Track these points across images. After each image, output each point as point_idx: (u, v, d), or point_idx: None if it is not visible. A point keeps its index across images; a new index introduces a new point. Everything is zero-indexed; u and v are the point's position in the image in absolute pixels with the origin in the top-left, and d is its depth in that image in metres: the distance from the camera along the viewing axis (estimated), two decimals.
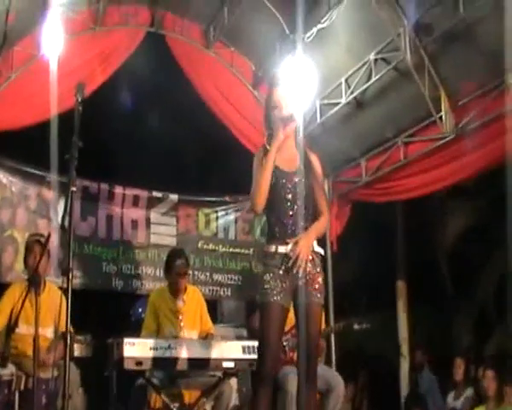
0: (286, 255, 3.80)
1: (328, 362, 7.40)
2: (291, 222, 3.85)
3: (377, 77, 7.14)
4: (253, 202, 3.85)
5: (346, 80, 7.60)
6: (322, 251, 4.01)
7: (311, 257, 3.86)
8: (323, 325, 6.19)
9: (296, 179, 3.89)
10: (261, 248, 4.10)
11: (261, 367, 3.78)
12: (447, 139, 6.91)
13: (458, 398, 7.26)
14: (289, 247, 3.79)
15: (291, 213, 3.86)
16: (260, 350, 3.81)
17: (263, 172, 3.79)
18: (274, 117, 3.94)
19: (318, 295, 3.85)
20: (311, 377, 3.78)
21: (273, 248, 3.84)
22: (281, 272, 3.79)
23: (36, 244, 5.33)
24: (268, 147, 3.91)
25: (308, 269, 3.84)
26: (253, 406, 3.81)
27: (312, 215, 3.94)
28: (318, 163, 4.03)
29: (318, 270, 3.91)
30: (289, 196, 3.86)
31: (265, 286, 3.78)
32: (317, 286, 3.86)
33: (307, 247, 3.81)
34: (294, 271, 3.78)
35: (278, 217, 3.86)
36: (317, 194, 3.96)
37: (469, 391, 7.23)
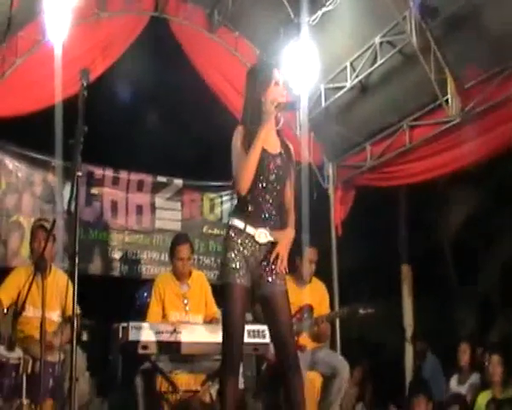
0: (253, 238, 3.72)
1: (332, 347, 7.41)
2: (266, 207, 3.76)
3: (382, 60, 7.12)
4: (239, 184, 3.69)
5: (351, 64, 7.57)
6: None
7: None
8: (328, 310, 6.22)
9: (279, 162, 3.81)
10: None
11: (230, 356, 3.68)
12: (453, 123, 6.88)
13: (463, 383, 7.25)
14: (260, 235, 3.72)
15: (268, 197, 3.76)
16: (227, 338, 3.69)
17: (252, 152, 3.66)
18: (267, 99, 3.79)
19: (279, 282, 3.76)
20: (292, 365, 3.68)
21: (241, 225, 3.73)
22: (246, 252, 3.71)
23: (40, 230, 5.34)
24: (252, 121, 3.79)
25: (273, 259, 3.74)
26: (221, 396, 3.71)
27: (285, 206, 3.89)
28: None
29: (282, 259, 3.77)
30: (272, 176, 3.77)
31: (230, 265, 3.68)
32: (279, 275, 3.76)
33: (286, 249, 3.76)
34: (269, 271, 3.73)
35: (255, 197, 3.74)
36: (287, 194, 3.91)
37: (474, 377, 7.22)
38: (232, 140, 3.82)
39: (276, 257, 3.72)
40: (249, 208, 3.76)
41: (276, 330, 3.74)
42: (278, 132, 3.92)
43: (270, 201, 3.78)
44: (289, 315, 3.83)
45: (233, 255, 3.70)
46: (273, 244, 3.77)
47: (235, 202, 3.90)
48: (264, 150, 3.74)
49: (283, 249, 3.74)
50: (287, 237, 3.79)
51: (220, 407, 3.73)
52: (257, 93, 3.84)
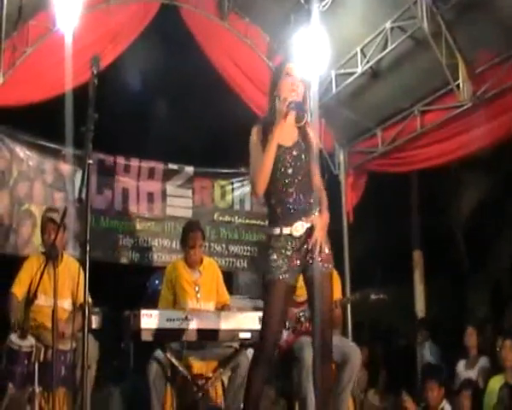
0: (291, 236, 3.76)
1: (344, 333, 7.42)
2: (292, 201, 3.78)
3: (393, 46, 7.09)
4: (254, 185, 3.75)
5: (362, 50, 7.54)
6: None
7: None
8: (340, 296, 6.21)
9: (295, 153, 3.81)
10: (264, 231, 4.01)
11: (261, 346, 3.73)
12: (464, 108, 6.85)
13: (472, 368, 7.24)
14: (297, 228, 3.75)
15: (291, 190, 3.77)
16: (262, 328, 3.76)
17: (266, 154, 3.68)
18: (281, 96, 3.80)
19: (326, 265, 3.79)
20: (326, 349, 3.74)
21: (277, 231, 3.77)
22: (288, 253, 3.75)
23: (49, 222, 5.34)
24: (272, 115, 3.79)
25: (314, 243, 3.75)
26: (247, 385, 3.76)
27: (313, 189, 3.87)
28: (317, 140, 3.98)
29: (323, 241, 3.80)
30: (290, 170, 3.78)
31: (272, 264, 3.73)
32: (324, 257, 3.78)
33: (323, 231, 3.78)
34: (312, 253, 3.75)
35: (279, 198, 3.78)
36: (315, 179, 3.88)
37: (483, 361, 7.21)
38: (249, 141, 3.84)
39: (315, 243, 3.74)
40: (277, 211, 3.80)
41: (313, 314, 3.79)
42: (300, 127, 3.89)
43: (295, 193, 3.80)
44: (328, 300, 3.82)
45: (275, 257, 3.75)
46: (312, 228, 3.79)
47: (267, 208, 3.91)
48: (278, 146, 3.75)
49: (320, 234, 3.75)
50: (322, 221, 3.79)
51: (244, 397, 3.79)
52: (272, 89, 3.88)
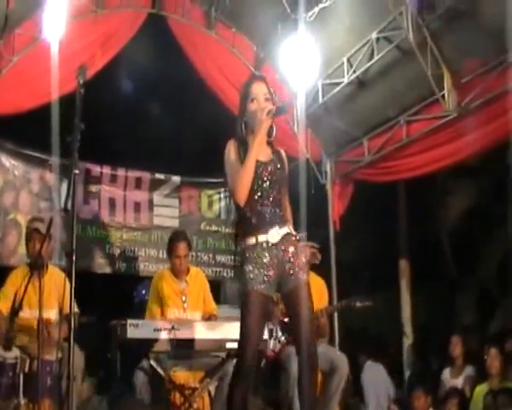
0: (267, 243, 3.74)
1: (331, 342, 7.43)
2: (267, 212, 3.79)
3: (379, 56, 7.12)
4: (237, 196, 3.74)
5: (348, 60, 7.57)
6: (294, 232, 3.90)
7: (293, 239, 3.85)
8: (326, 304, 6.23)
9: (270, 168, 3.83)
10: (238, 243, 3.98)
11: (241, 361, 3.69)
12: (450, 117, 6.90)
13: (457, 376, 7.26)
14: (272, 235, 3.75)
15: (267, 203, 3.79)
16: (241, 341, 3.70)
17: (247, 164, 3.70)
18: (252, 109, 3.83)
19: (301, 275, 3.78)
20: (311, 359, 3.71)
21: (253, 240, 3.75)
22: (265, 260, 3.72)
23: (34, 232, 5.31)
24: (243, 135, 3.85)
25: (291, 253, 3.78)
26: (229, 397, 3.70)
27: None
28: (286, 160, 4.01)
29: (299, 249, 3.84)
30: (266, 183, 3.80)
31: (247, 276, 3.70)
32: (301, 266, 3.79)
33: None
34: (289, 263, 3.76)
35: (255, 209, 3.77)
36: (284, 201, 3.94)
37: (469, 369, 7.24)
38: (225, 154, 3.85)
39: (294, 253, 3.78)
40: (252, 221, 3.78)
41: (296, 325, 3.75)
42: (269, 142, 3.92)
43: (270, 205, 3.80)
44: (309, 309, 3.80)
45: (250, 268, 3.71)
46: (287, 236, 3.80)
47: (240, 220, 3.88)
48: (256, 160, 3.77)
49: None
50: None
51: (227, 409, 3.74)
52: (242, 106, 3.91)
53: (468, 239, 11.96)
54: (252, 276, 3.69)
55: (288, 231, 3.83)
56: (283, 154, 3.98)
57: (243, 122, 3.88)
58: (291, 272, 3.76)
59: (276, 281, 3.76)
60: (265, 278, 3.70)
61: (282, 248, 3.77)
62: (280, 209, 3.85)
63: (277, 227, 3.78)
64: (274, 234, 3.77)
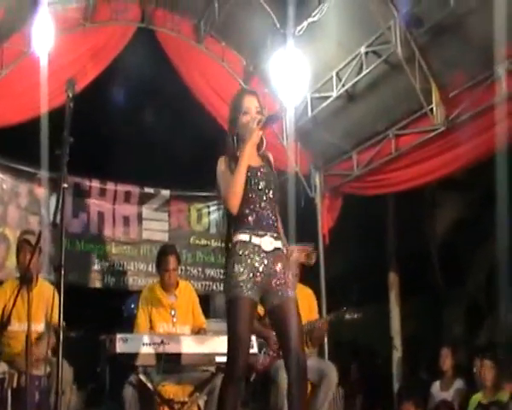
0: (260, 248, 3.71)
1: (320, 354, 7.42)
2: (266, 213, 3.77)
3: (368, 70, 7.16)
4: (229, 204, 3.71)
5: (337, 74, 7.61)
6: (283, 248, 3.87)
7: (283, 256, 3.83)
8: (317, 316, 6.24)
9: (264, 170, 3.85)
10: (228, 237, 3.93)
11: (232, 367, 3.63)
12: (438, 131, 6.93)
13: (447, 389, 7.26)
14: (266, 243, 3.73)
15: (264, 203, 3.77)
16: (231, 349, 3.64)
17: (238, 171, 3.69)
18: (244, 121, 3.84)
19: (291, 292, 3.76)
20: (298, 376, 3.66)
21: (246, 237, 3.72)
22: (255, 263, 3.69)
23: (25, 244, 5.30)
24: (234, 148, 3.85)
25: (279, 269, 3.76)
26: (220, 406, 3.68)
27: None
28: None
29: (288, 266, 3.82)
30: (261, 184, 3.79)
31: (237, 278, 3.64)
32: (289, 283, 3.78)
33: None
34: (276, 278, 3.74)
35: (253, 207, 3.76)
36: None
37: (458, 383, 7.23)
38: (217, 170, 3.84)
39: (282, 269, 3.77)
40: (249, 219, 3.76)
41: (285, 340, 3.71)
42: (259, 155, 3.93)
43: (267, 207, 3.79)
44: (299, 324, 3.77)
45: (241, 269, 3.67)
46: (278, 251, 3.78)
47: (234, 218, 3.81)
48: (248, 166, 3.76)
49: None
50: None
51: None
52: (233, 119, 3.91)
53: (457, 252, 11.99)
54: (241, 279, 3.65)
55: (281, 246, 3.82)
56: (272, 160, 4.00)
57: (235, 135, 3.89)
58: (278, 288, 3.74)
59: (262, 291, 3.73)
60: (253, 284, 3.67)
61: (272, 260, 3.74)
62: (275, 218, 3.84)
63: (272, 237, 3.77)
64: (267, 242, 3.75)
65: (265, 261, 3.72)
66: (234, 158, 3.80)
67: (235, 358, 3.62)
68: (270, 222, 3.80)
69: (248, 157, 3.76)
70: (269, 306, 3.79)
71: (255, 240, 3.73)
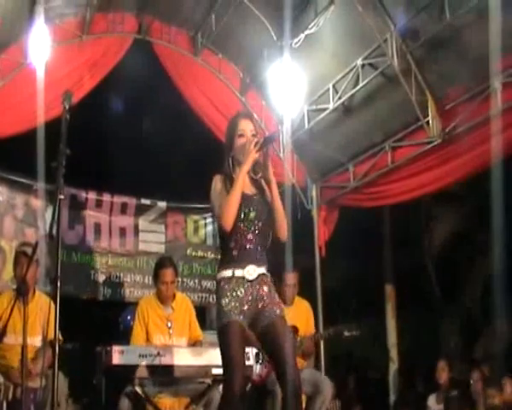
0: (243, 279, 3.74)
1: (316, 366, 7.41)
2: (250, 246, 3.78)
3: (364, 82, 7.18)
4: (223, 221, 3.71)
5: (334, 86, 7.63)
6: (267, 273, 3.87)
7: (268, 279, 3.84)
8: (313, 329, 6.24)
9: (257, 198, 3.85)
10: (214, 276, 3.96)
11: (231, 389, 3.60)
12: (434, 144, 6.94)
13: (442, 402, 7.25)
14: (249, 272, 3.74)
15: (251, 236, 3.79)
16: (227, 373, 3.64)
17: (234, 192, 3.70)
18: (240, 144, 3.85)
19: (278, 311, 3.77)
20: (293, 392, 3.63)
21: (229, 273, 3.75)
22: (240, 294, 3.72)
23: (23, 256, 5.28)
24: (230, 170, 3.85)
25: (265, 292, 3.78)
26: None
27: (270, 240, 3.91)
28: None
29: (273, 290, 3.84)
30: (252, 214, 3.80)
31: (224, 308, 3.69)
32: (276, 303, 3.80)
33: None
34: (263, 301, 3.75)
35: (239, 240, 3.78)
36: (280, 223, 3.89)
37: (454, 394, 7.23)
38: (211, 188, 3.85)
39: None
40: (233, 253, 3.78)
41: (278, 359, 3.69)
42: (256, 179, 3.92)
43: (254, 240, 3.80)
44: (290, 342, 3.80)
45: (227, 301, 3.70)
46: (263, 276, 3.79)
47: (221, 248, 3.89)
48: (241, 193, 3.77)
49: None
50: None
51: None
52: (228, 148, 3.92)
53: (453, 264, 12.01)
54: (229, 308, 3.68)
55: (265, 272, 3.82)
56: (267, 190, 3.92)
57: (231, 157, 3.90)
58: (266, 309, 3.74)
59: (250, 318, 3.74)
60: (240, 312, 3.69)
61: (257, 286, 3.76)
62: (263, 247, 3.85)
63: (255, 266, 3.78)
64: (251, 271, 3.76)
65: (250, 290, 3.75)
66: (229, 178, 3.83)
67: (232, 379, 3.61)
68: (256, 253, 3.81)
69: (244, 180, 3.77)
70: (258, 329, 3.78)
71: (238, 273, 3.75)
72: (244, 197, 3.79)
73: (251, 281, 3.76)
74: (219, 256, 3.91)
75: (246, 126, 3.92)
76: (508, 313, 8.27)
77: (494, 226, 6.13)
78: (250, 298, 3.74)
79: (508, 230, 6.30)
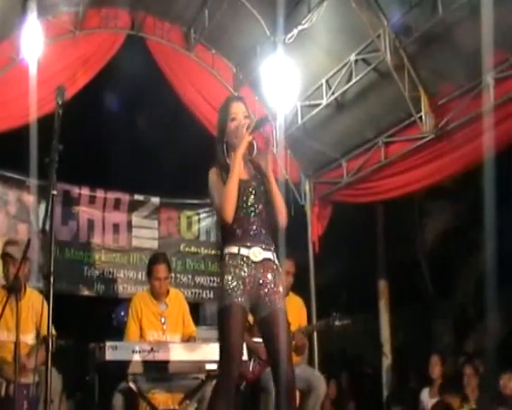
0: (248, 258, 3.71)
1: (310, 362, 7.42)
2: (253, 228, 3.76)
3: (358, 78, 7.19)
4: (223, 212, 3.69)
5: (327, 81, 7.63)
6: (274, 259, 3.85)
7: (274, 266, 3.81)
8: (305, 323, 6.25)
9: (254, 183, 3.84)
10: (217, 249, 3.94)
11: (225, 376, 3.60)
12: (427, 139, 6.96)
13: (435, 396, 7.27)
14: (255, 253, 3.72)
15: (253, 219, 3.77)
16: (224, 358, 3.62)
17: (231, 180, 3.69)
18: (232, 127, 3.84)
19: (278, 302, 3.74)
20: (287, 386, 3.63)
21: (235, 249, 3.72)
22: (243, 274, 3.69)
23: (7, 257, 5.23)
24: (224, 157, 3.83)
25: (268, 279, 3.75)
26: None
27: (272, 225, 3.87)
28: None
29: (279, 278, 3.81)
30: (251, 198, 3.79)
31: (227, 287, 3.65)
32: (278, 294, 3.76)
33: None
34: (265, 288, 3.73)
35: (241, 223, 3.75)
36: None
37: (446, 389, 7.24)
38: (208, 181, 3.83)
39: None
40: (237, 232, 3.75)
41: (273, 350, 3.68)
42: (250, 159, 3.91)
43: (256, 222, 3.78)
44: (287, 336, 3.77)
45: (230, 278, 3.67)
46: (268, 261, 3.77)
47: (223, 232, 3.83)
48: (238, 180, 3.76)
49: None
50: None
51: None
52: (221, 128, 3.90)
53: (446, 260, 12.03)
54: (231, 286, 3.65)
55: (271, 257, 3.80)
56: (262, 163, 3.89)
57: (224, 143, 3.88)
58: (267, 298, 3.72)
59: (252, 300, 3.72)
60: (243, 292, 3.66)
61: (261, 271, 3.73)
62: (267, 230, 3.82)
63: (261, 248, 3.75)
64: (256, 253, 3.73)
65: (254, 272, 3.72)
66: (225, 167, 3.80)
67: (229, 367, 3.59)
68: (260, 234, 3.79)
69: (239, 165, 3.76)
70: (258, 317, 3.78)
71: (243, 251, 3.73)
72: (241, 183, 3.76)
73: (255, 263, 3.72)
74: (224, 236, 3.85)
75: (238, 109, 3.89)
76: (500, 308, 8.30)
77: (487, 222, 6.14)
78: (253, 280, 3.70)
79: (500, 226, 6.31)
